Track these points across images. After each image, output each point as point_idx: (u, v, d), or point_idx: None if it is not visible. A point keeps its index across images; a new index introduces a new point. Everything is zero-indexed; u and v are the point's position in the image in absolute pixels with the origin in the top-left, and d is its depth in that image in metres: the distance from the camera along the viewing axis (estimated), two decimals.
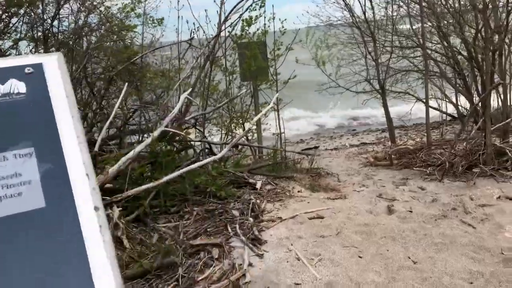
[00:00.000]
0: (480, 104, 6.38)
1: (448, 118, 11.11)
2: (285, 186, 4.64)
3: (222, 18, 5.34)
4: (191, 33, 6.56)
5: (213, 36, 5.48)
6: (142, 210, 3.62)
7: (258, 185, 4.38)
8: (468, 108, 10.58)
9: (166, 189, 4.13)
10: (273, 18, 7.13)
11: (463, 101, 10.64)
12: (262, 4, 6.50)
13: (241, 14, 5.73)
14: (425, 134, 9.37)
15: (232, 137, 8.36)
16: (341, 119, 13.38)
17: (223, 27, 5.51)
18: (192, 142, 4.67)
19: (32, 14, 5.97)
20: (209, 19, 6.43)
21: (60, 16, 8.43)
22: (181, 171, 3.97)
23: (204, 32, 6.68)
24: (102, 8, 9.17)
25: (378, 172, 5.93)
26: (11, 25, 5.87)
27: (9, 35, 5.99)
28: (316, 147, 9.62)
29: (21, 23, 5.93)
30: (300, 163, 5.99)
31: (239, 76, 7.70)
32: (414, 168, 5.67)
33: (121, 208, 3.31)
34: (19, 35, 6.10)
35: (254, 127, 7.19)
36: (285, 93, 7.58)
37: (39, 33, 5.97)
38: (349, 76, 10.30)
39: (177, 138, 4.63)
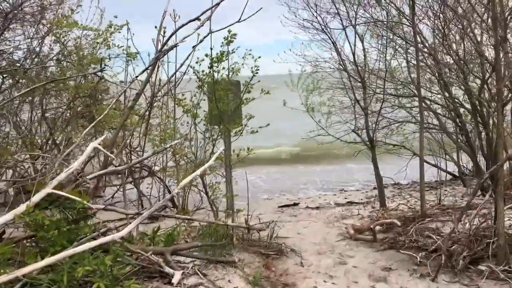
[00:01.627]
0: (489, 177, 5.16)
1: (448, 176, 9.88)
2: (218, 278, 3.37)
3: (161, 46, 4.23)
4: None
5: (143, 70, 4.37)
6: None
7: (176, 278, 3.11)
8: (470, 168, 9.39)
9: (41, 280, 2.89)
10: (252, 57, 6.02)
11: (465, 159, 9.47)
12: (231, 39, 5.43)
13: (194, 46, 4.63)
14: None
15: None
16: (331, 170, 12.16)
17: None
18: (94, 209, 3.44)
19: None
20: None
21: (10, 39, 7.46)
22: (56, 257, 2.73)
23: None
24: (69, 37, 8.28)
25: (356, 252, 4.66)
26: None
27: None
28: (295, 204, 8.35)
29: None
30: (260, 232, 4.75)
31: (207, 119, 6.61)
32: (402, 251, 4.39)
33: None
34: None
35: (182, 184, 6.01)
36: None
37: None
38: (339, 124, 9.21)
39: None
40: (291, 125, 15.82)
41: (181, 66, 4.89)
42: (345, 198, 8.87)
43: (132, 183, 7.11)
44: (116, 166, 4.75)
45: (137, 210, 4.96)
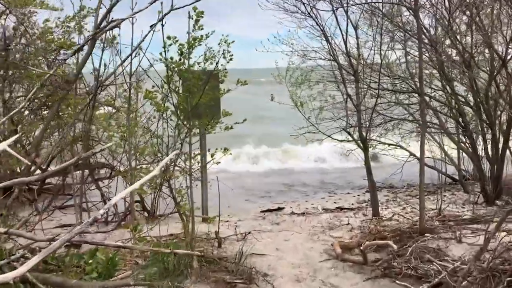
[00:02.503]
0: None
1: (447, 179, 9.13)
2: None
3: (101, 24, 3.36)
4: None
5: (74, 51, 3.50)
6: None
7: None
8: (471, 171, 8.64)
9: None
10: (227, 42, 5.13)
11: (466, 161, 8.71)
12: (197, 18, 4.54)
13: (152, 26, 3.78)
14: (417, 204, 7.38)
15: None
16: (321, 170, 11.37)
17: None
18: None
19: None
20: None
21: None
22: None
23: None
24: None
25: (342, 279, 3.89)
26: None
27: None
28: (280, 209, 7.55)
29: None
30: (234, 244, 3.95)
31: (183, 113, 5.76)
32: (398, 282, 3.61)
33: None
34: None
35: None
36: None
37: None
38: (330, 121, 8.42)
39: None
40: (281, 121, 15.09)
41: (135, 49, 4.03)
42: (335, 202, 8.09)
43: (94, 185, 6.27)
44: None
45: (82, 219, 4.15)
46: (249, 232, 5.52)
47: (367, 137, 6.27)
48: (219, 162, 5.77)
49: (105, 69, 5.10)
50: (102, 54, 4.79)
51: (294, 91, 8.07)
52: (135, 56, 4.38)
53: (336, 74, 7.04)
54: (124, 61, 3.96)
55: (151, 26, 3.81)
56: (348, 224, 6.14)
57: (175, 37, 4.49)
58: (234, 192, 9.02)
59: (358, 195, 8.56)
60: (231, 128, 5.24)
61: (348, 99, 6.63)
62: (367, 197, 8.30)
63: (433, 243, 4.44)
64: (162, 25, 4.49)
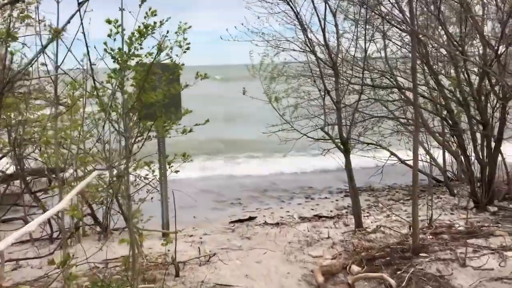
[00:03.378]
0: None
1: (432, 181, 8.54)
2: None
3: None
4: None
5: None
6: None
7: None
8: (455, 172, 8.07)
9: None
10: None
11: (448, 161, 8.14)
12: None
13: (80, 3, 2.89)
14: (403, 210, 6.74)
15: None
16: (295, 171, 10.61)
17: None
18: None
19: None
20: None
21: None
22: None
23: None
24: None
25: None
26: None
27: None
28: (251, 218, 6.77)
29: None
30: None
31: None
32: None
33: None
34: None
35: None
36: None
37: None
38: (307, 119, 7.67)
39: None
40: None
41: (58, 34, 3.12)
42: (312, 209, 7.36)
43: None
44: None
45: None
46: (214, 254, 4.71)
47: (348, 138, 5.53)
48: (178, 171, 4.95)
49: (21, 58, 4.17)
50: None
51: (267, 86, 7.27)
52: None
53: (312, 67, 6.27)
54: (44, 48, 3.03)
55: (79, 4, 2.93)
56: (328, 237, 5.40)
57: (117, 21, 3.60)
58: (201, 200, 8.20)
59: (337, 200, 7.86)
60: (190, 131, 4.40)
61: (327, 95, 5.88)
62: (346, 202, 7.63)
63: (431, 266, 3.74)
64: (121, 9, 3.60)
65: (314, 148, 8.16)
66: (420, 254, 4.02)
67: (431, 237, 4.73)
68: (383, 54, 6.70)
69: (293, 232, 5.80)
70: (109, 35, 4.01)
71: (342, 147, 5.60)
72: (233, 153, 12.73)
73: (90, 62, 3.42)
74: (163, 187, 5.84)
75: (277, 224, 6.38)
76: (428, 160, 7.76)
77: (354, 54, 6.14)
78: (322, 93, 6.09)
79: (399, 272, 3.62)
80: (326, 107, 6.10)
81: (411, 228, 4.46)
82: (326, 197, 8.12)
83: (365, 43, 5.58)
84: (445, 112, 6.70)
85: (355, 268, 3.62)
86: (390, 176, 8.58)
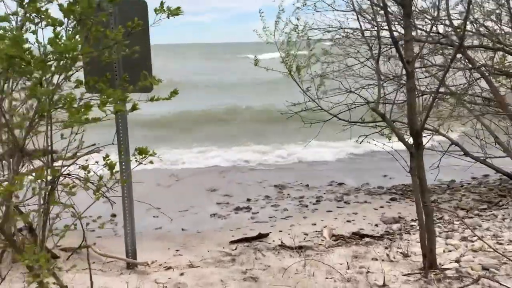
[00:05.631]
0: None
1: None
2: None
3: None
4: None
5: None
6: None
7: None
8: None
9: None
10: None
11: None
12: None
13: None
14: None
15: None
16: (318, 159, 8.45)
17: None
18: None
19: None
20: None
21: None
22: None
23: None
24: None
25: None
26: None
27: None
28: (261, 236, 4.70)
29: None
30: None
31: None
32: None
33: None
34: None
35: None
36: None
37: None
38: (339, 94, 5.58)
39: None
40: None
41: None
42: (348, 220, 5.26)
43: None
44: None
45: None
46: None
47: (423, 128, 3.34)
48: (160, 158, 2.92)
49: None
50: None
51: (286, 51, 5.01)
52: None
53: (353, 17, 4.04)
54: None
55: None
56: (384, 286, 3.30)
57: None
58: (199, 200, 6.18)
59: (382, 207, 5.72)
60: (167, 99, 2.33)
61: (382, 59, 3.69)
62: (395, 210, 5.51)
63: None
64: None
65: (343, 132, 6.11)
66: None
67: None
68: None
69: (325, 268, 3.71)
70: None
71: (408, 141, 3.44)
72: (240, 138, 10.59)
73: None
74: (127, 192, 3.80)
75: (299, 249, 4.32)
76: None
77: None
78: (375, 52, 3.91)
79: None
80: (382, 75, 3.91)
81: None
82: (365, 201, 5.97)
83: None
84: None
85: None
86: (445, 170, 6.40)
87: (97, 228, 3.08)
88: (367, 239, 4.58)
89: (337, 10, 5.28)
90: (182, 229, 5.10)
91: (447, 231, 4.61)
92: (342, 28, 4.84)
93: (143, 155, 2.51)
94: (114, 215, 5.39)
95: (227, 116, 13.51)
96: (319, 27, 5.12)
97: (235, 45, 79.46)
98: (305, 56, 5.07)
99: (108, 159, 2.56)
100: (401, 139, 3.58)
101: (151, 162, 2.55)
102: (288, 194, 6.40)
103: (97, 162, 2.74)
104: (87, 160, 3.08)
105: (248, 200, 6.17)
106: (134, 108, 2.04)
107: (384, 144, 4.55)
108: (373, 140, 5.26)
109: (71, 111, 1.94)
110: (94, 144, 4.25)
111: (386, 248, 4.23)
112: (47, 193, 2.34)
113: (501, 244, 4.09)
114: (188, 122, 12.39)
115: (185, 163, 8.29)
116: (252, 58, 4.69)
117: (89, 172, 2.60)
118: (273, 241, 4.60)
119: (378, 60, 3.86)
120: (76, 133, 2.63)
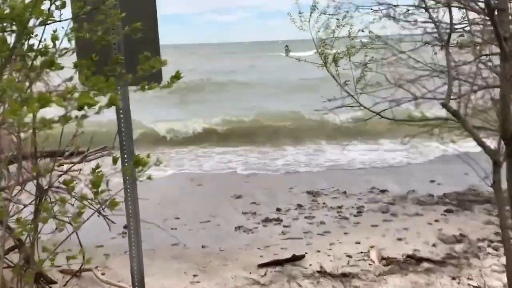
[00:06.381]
0: None
1: None
2: None
3: None
4: None
5: None
6: None
7: None
8: None
9: None
10: None
11: None
12: None
13: None
14: None
15: None
16: (358, 166, 7.58)
17: None
18: None
19: None
20: None
21: None
22: None
23: None
24: None
25: None
26: None
27: None
28: (296, 259, 3.92)
29: None
30: None
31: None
32: None
33: None
34: None
35: None
36: None
37: None
38: (382, 87, 4.66)
39: None
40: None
41: None
42: (398, 238, 4.39)
43: None
44: None
45: None
46: None
47: None
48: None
49: None
50: None
51: (321, 40, 4.13)
52: None
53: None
54: None
55: None
56: None
57: None
58: (223, 210, 5.43)
59: (437, 221, 4.81)
60: (169, 86, 1.58)
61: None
62: (454, 225, 4.60)
63: None
64: None
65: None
66: None
67: None
68: None
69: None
70: None
71: (498, 148, 2.58)
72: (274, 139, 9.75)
73: None
74: (132, 208, 3.07)
75: (343, 277, 3.51)
76: None
77: None
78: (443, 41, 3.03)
79: None
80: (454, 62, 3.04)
81: None
82: (416, 213, 5.08)
83: None
84: None
85: None
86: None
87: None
88: (426, 265, 3.73)
89: None
90: (202, 246, 4.35)
91: None
92: (395, 6, 3.97)
93: (140, 168, 1.76)
94: (126, 227, 4.70)
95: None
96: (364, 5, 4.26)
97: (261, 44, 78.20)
98: (345, 44, 4.24)
99: (99, 171, 1.83)
100: (481, 143, 2.72)
101: (149, 178, 1.80)
102: (324, 203, 5.57)
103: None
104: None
105: (278, 210, 5.38)
106: (112, 102, 1.28)
107: (452, 143, 3.69)
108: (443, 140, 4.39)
109: (11, 103, 1.19)
110: (105, 147, 3.60)
111: (453, 279, 3.39)
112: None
113: None
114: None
115: (205, 165, 7.60)
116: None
117: (73, 187, 1.88)
118: (310, 265, 3.81)
119: (449, 41, 3.01)
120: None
